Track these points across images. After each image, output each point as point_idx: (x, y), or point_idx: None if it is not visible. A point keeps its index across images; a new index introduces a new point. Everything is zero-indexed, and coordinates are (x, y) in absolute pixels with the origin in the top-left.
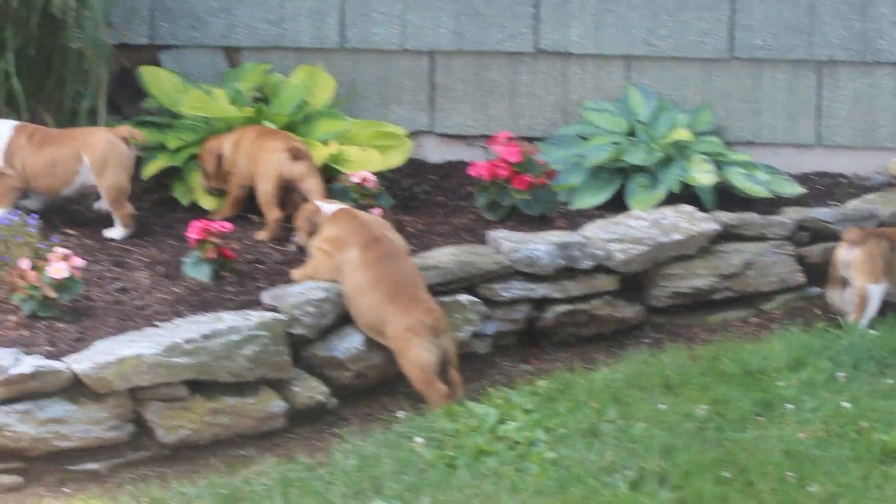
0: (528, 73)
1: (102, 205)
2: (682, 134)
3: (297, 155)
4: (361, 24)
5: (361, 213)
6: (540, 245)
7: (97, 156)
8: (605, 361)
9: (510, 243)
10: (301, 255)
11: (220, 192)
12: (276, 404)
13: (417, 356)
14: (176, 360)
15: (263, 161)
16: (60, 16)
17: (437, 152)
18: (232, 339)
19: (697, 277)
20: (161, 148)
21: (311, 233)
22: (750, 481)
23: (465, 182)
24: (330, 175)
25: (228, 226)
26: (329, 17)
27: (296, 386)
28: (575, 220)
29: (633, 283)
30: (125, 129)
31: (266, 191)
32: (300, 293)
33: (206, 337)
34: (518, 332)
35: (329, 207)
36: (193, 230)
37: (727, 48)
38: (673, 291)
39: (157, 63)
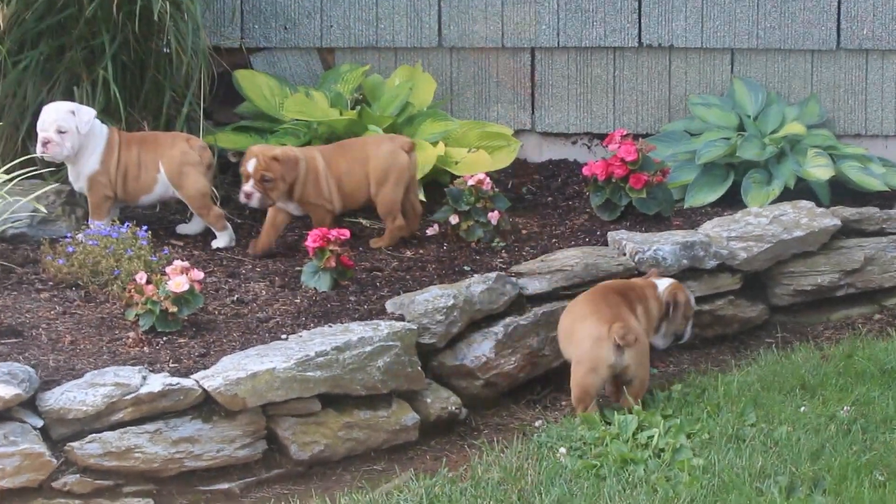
0: (631, 69)
1: (185, 229)
2: (796, 128)
3: (410, 149)
4: (459, 22)
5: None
6: (664, 245)
7: (173, 167)
8: (735, 363)
9: (633, 244)
10: (418, 263)
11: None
12: (410, 417)
13: (584, 379)
14: (309, 373)
15: (393, 167)
16: (158, 20)
17: (538, 151)
18: (364, 350)
19: (819, 274)
20: None
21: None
22: None
23: (571, 181)
24: (434, 177)
25: (346, 233)
26: (426, 15)
27: (427, 397)
28: (690, 218)
29: (753, 282)
30: (199, 141)
31: (395, 199)
32: (427, 301)
33: (338, 349)
34: None
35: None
36: (312, 238)
37: (834, 39)
38: (795, 289)
39: (248, 66)
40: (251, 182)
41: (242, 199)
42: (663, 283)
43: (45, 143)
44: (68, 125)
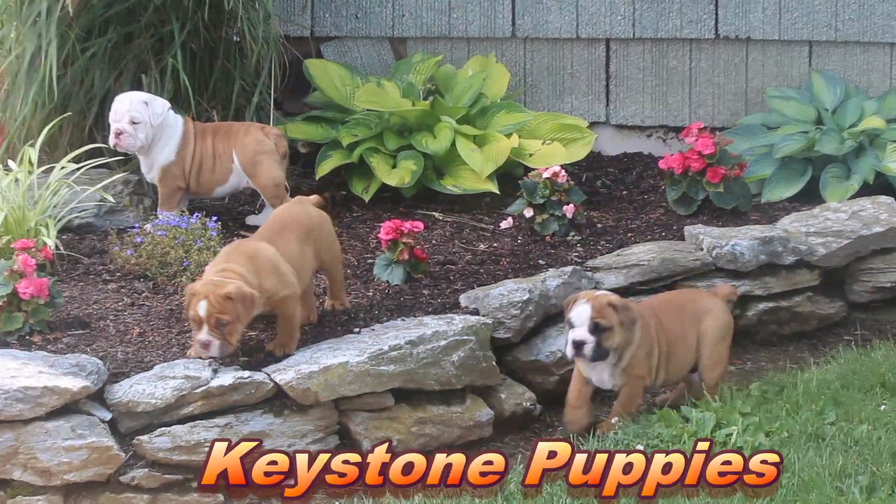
0: (707, 61)
1: (255, 220)
2: (875, 122)
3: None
4: (533, 12)
5: None
6: (741, 240)
7: (247, 155)
8: (814, 361)
9: (711, 239)
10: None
11: None
12: (484, 412)
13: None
14: (382, 368)
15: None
16: (229, 8)
17: (613, 144)
18: (438, 344)
19: None
20: (333, 144)
21: None
22: None
23: (646, 174)
24: (507, 169)
25: (420, 225)
26: (500, 4)
27: (502, 393)
28: (767, 212)
29: (832, 278)
30: (274, 130)
31: None
32: (502, 295)
33: (412, 343)
34: None
35: None
36: (385, 230)
37: None
38: (873, 286)
39: (318, 55)
40: (206, 329)
41: (198, 349)
42: None
43: (117, 134)
44: (142, 116)
